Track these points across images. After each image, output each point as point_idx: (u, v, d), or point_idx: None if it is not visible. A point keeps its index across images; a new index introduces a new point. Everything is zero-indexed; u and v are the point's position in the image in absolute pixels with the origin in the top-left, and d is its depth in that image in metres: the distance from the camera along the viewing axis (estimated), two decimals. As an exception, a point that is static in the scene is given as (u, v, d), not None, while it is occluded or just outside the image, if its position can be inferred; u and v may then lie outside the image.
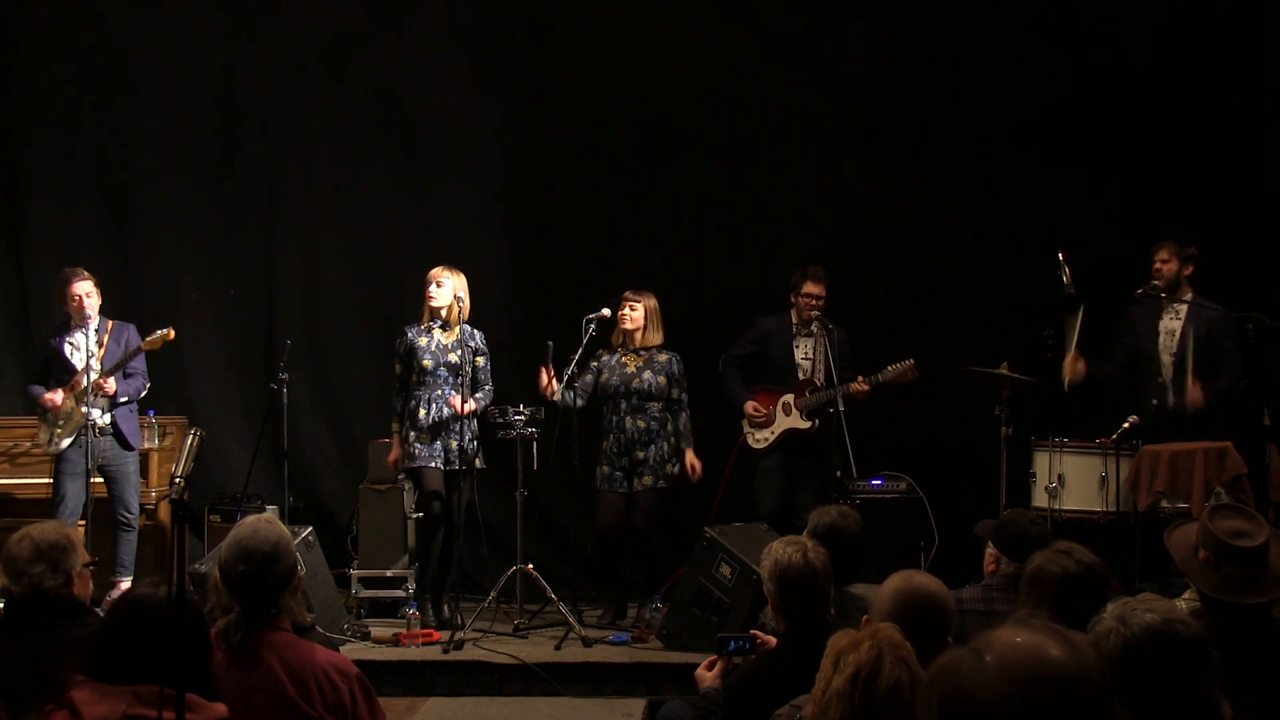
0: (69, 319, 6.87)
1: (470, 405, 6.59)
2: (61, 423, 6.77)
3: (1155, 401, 6.50)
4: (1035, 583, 3.18)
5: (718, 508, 7.31)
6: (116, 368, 6.78)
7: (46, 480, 7.11)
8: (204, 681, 2.69)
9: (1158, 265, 6.56)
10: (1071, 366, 6.64)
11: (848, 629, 2.56)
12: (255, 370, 8.00)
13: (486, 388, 6.82)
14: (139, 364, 6.94)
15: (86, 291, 6.78)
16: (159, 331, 6.75)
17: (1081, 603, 2.95)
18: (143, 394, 7.06)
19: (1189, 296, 6.53)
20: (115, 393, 6.79)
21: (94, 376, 6.65)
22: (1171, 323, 6.59)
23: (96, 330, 6.78)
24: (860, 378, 6.75)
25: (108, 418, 6.79)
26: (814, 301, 6.95)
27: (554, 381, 6.55)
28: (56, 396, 6.76)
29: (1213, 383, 6.44)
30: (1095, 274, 6.95)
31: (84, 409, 6.64)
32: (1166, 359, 6.57)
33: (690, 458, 6.81)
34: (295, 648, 3.06)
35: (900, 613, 2.84)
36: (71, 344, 6.86)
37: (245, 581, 3.05)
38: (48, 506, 6.75)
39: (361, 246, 8.16)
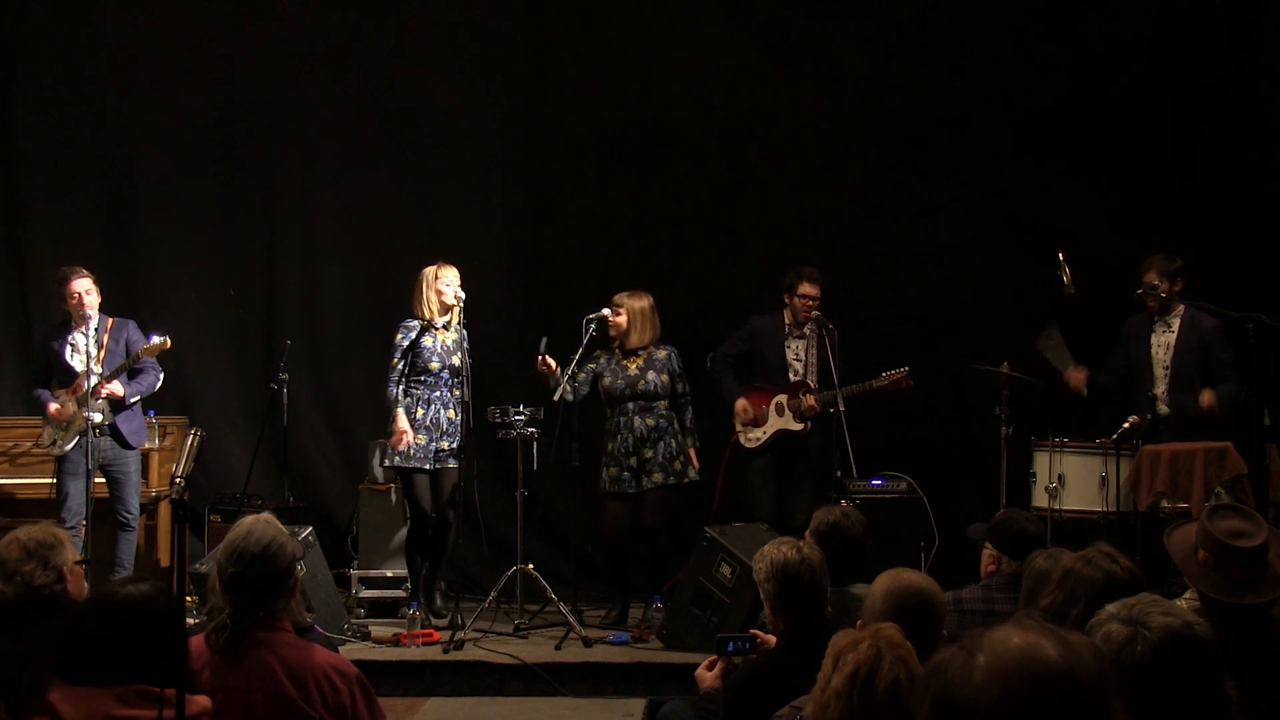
0: (68, 318, 6.75)
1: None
2: (65, 427, 6.74)
3: (1149, 415, 6.56)
4: (1065, 582, 3.06)
5: (717, 508, 7.30)
6: (118, 371, 6.69)
7: (47, 480, 7.09)
8: (182, 677, 2.68)
9: (1148, 292, 6.51)
10: (1075, 378, 6.72)
11: (849, 629, 2.56)
12: (255, 370, 8.00)
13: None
14: (147, 358, 6.81)
15: (85, 289, 6.66)
16: (155, 340, 6.62)
17: None
18: (157, 387, 6.93)
19: (1180, 309, 6.58)
20: (124, 395, 6.71)
21: (94, 381, 6.57)
22: (1165, 335, 6.64)
23: (96, 330, 6.68)
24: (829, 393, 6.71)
25: (99, 416, 6.63)
26: (810, 303, 6.93)
27: (554, 364, 6.50)
28: (61, 407, 6.67)
29: (1222, 388, 6.47)
30: (1095, 274, 6.96)
31: (85, 412, 6.55)
32: (1160, 371, 6.63)
33: (693, 456, 6.80)
34: (295, 648, 3.06)
35: (893, 612, 2.84)
36: (71, 345, 6.75)
37: (234, 582, 3.04)
38: (48, 506, 6.71)
39: (361, 246, 8.15)
